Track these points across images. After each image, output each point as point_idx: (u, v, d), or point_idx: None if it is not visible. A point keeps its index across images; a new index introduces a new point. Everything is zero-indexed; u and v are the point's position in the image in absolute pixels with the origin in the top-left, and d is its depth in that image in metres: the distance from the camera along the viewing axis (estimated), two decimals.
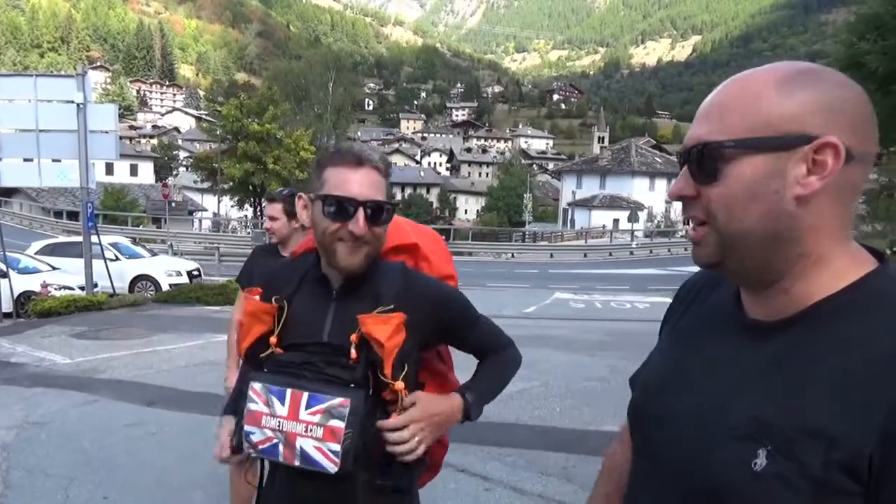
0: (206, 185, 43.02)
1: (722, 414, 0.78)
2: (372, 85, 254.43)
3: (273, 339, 1.36)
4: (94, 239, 12.05)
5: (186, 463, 4.41)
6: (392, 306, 1.32)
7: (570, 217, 52.18)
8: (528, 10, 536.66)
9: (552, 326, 10.99)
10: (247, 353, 1.41)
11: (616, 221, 44.34)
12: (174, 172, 68.10)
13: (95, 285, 12.19)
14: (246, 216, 41.98)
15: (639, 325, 10.74)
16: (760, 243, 0.78)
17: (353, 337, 1.30)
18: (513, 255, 32.70)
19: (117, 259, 14.45)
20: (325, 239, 1.33)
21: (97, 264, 12.15)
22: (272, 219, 3.01)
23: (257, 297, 1.41)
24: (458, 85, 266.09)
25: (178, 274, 15.07)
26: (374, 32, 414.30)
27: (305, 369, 1.31)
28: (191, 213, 41.51)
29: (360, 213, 1.29)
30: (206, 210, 45.93)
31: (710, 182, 0.79)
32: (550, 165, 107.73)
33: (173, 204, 27.01)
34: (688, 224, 0.85)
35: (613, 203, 47.27)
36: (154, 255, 16.74)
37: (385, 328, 1.29)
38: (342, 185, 1.31)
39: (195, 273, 15.57)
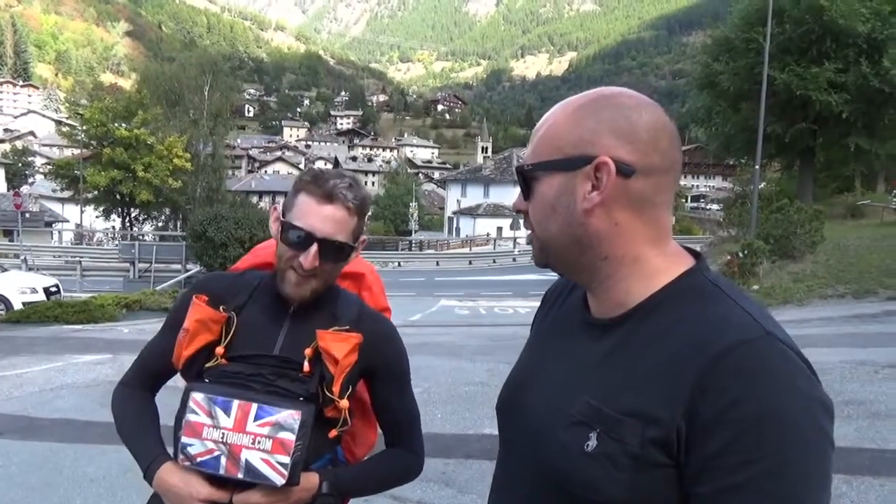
0: (66, 194, 39.80)
1: (564, 404, 0.86)
2: (252, 91, 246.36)
3: (220, 350, 1.32)
4: None
5: (39, 496, 4.03)
6: (348, 327, 1.34)
7: (455, 225, 53.07)
8: (412, 20, 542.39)
9: (437, 333, 11.12)
10: (186, 362, 1.34)
11: (500, 229, 45.59)
12: (30, 180, 62.51)
13: None
14: (113, 227, 39.17)
15: (520, 329, 11.08)
16: (566, 249, 0.89)
17: (308, 351, 1.31)
18: (399, 264, 32.78)
19: None
20: (281, 263, 1.33)
21: None
22: None
23: (204, 304, 1.35)
24: (343, 93, 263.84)
25: (33, 291, 13.78)
26: (253, 37, 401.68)
27: (254, 380, 1.29)
28: (49, 224, 38.17)
29: (313, 249, 1.29)
30: (68, 221, 42.37)
31: (528, 199, 0.91)
32: (436, 174, 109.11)
33: (27, 214, 24.73)
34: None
35: (497, 211, 48.58)
36: (4, 270, 15.25)
37: (343, 345, 1.30)
38: (305, 216, 1.31)
39: (53, 289, 14.31)
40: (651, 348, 0.81)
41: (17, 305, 13.11)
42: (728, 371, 0.74)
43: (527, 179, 0.90)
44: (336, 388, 1.29)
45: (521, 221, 0.96)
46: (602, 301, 0.90)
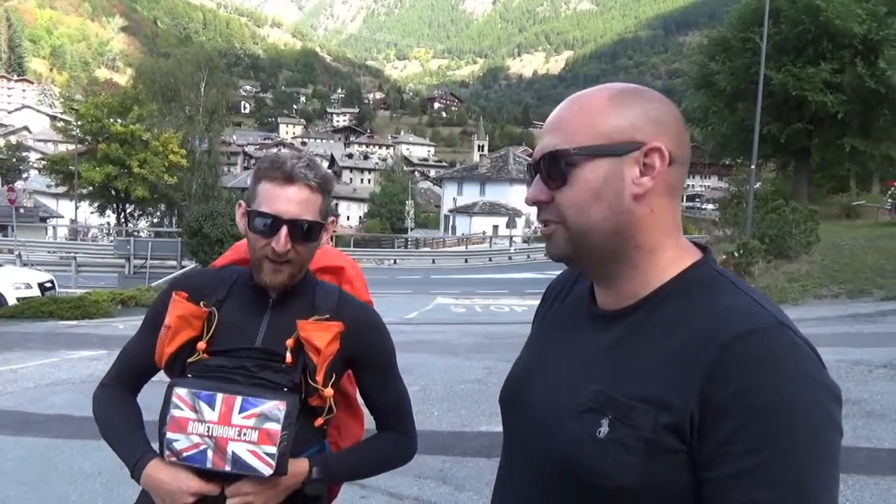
0: (61, 189, 39.70)
1: (573, 394, 0.87)
2: (248, 87, 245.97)
3: (202, 345, 1.32)
4: None
5: (34, 492, 4.02)
6: (328, 316, 1.35)
7: (451, 223, 53.06)
8: (409, 18, 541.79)
9: (433, 331, 11.11)
10: (169, 359, 1.34)
11: (496, 227, 45.63)
12: (24, 176, 62.33)
13: None
14: (108, 223, 39.10)
15: (516, 327, 11.09)
16: (605, 238, 0.87)
17: (290, 342, 1.31)
18: (395, 262, 32.77)
19: None
20: (254, 254, 1.33)
21: None
22: None
23: (184, 300, 1.34)
24: (339, 90, 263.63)
25: (28, 286, 13.74)
26: (250, 33, 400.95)
27: (237, 373, 1.29)
28: (44, 219, 38.11)
29: (283, 232, 1.28)
30: (63, 217, 42.34)
31: (561, 186, 0.88)
32: (432, 172, 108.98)
33: (22, 210, 24.62)
34: (542, 224, 0.93)
35: (493, 210, 48.62)
36: None
37: (324, 335, 1.31)
38: (270, 202, 1.30)
39: (48, 285, 14.26)
40: (662, 337, 0.82)
41: (12, 301, 13.07)
42: (738, 359, 0.75)
43: (562, 165, 0.87)
44: (319, 377, 1.30)
45: (535, 213, 0.93)
46: (618, 292, 0.90)
